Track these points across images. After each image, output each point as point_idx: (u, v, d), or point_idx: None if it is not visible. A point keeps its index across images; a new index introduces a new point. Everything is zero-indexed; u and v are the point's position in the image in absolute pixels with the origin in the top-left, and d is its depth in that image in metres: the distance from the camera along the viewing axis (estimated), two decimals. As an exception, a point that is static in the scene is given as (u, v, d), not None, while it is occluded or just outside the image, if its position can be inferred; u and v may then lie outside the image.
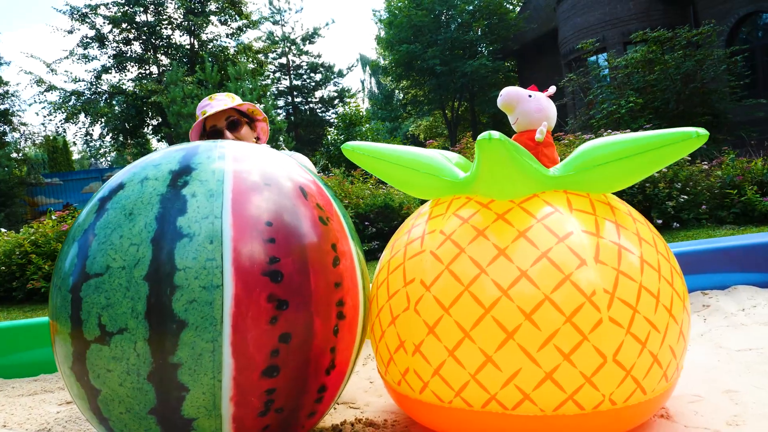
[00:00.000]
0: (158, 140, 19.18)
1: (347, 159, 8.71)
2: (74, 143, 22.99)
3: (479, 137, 1.05)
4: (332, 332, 1.20)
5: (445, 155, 1.55)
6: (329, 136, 11.99)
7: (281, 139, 13.77)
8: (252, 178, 1.21)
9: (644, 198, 4.62)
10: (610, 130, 6.23)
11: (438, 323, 1.15)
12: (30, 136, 20.48)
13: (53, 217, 5.74)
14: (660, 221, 4.58)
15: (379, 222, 5.18)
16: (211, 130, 1.94)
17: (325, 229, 1.24)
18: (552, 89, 1.52)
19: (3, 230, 5.58)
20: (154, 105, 16.30)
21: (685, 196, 4.58)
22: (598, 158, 1.19)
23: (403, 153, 1.34)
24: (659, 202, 4.59)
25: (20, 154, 21.41)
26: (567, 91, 11.21)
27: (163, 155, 1.27)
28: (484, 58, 18.22)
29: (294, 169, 1.33)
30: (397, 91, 24.10)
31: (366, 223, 5.11)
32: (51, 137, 25.03)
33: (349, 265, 1.27)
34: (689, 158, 5.16)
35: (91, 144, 20.42)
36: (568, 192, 1.24)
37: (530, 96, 1.49)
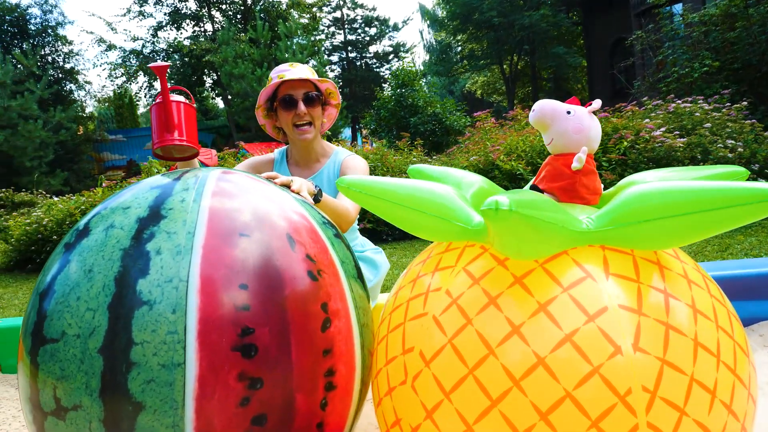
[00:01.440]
0: (212, 99, 19.42)
1: (397, 123, 8.45)
2: (138, 99, 23.68)
3: (483, 207, 0.83)
4: (319, 407, 1.05)
5: (464, 181, 1.34)
6: (379, 98, 11.59)
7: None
8: (230, 225, 1.04)
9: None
10: (677, 100, 5.65)
11: (438, 408, 0.98)
12: (94, 94, 21.22)
13: (103, 185, 5.86)
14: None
15: (421, 198, 4.96)
16: (284, 98, 1.75)
17: (314, 286, 1.07)
18: (596, 104, 1.25)
19: (56, 198, 5.76)
20: (209, 64, 16.39)
21: None
22: (647, 211, 0.95)
23: (408, 191, 1.13)
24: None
25: (86, 112, 22.27)
26: (635, 50, 10.34)
27: (135, 194, 1.12)
28: (545, 9, 17.11)
29: (285, 208, 1.15)
30: (453, 44, 23.19)
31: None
32: (117, 93, 25.90)
33: (343, 326, 1.10)
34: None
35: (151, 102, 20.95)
36: (607, 248, 1.01)
37: (569, 112, 1.24)
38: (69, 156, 16.81)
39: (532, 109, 1.27)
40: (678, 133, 4.47)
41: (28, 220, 5.42)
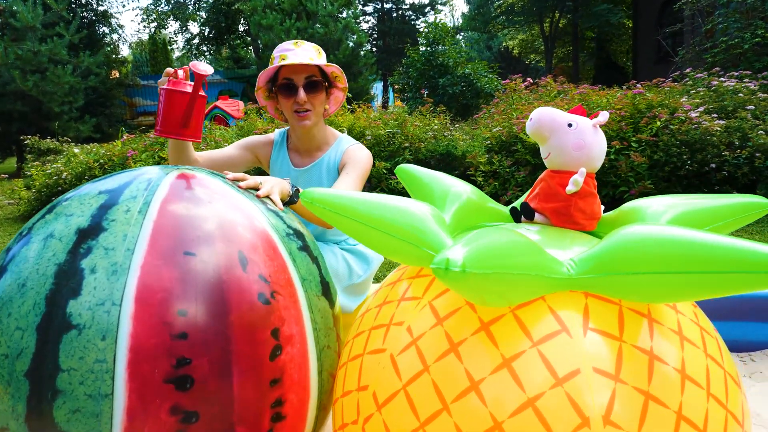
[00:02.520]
0: (243, 47, 19.17)
1: (426, 84, 8.17)
2: (171, 43, 23.60)
3: (432, 265, 0.71)
4: (263, 439, 0.98)
5: (450, 192, 1.21)
6: (408, 55, 11.17)
7: (362, 53, 13.22)
8: (174, 242, 0.95)
9: (751, 170, 3.91)
10: (722, 73, 5.27)
11: (386, 459, 0.89)
12: (125, 39, 21.23)
13: (123, 138, 5.85)
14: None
15: (440, 169, 4.81)
16: (284, 83, 1.62)
17: (265, 310, 0.98)
18: (603, 116, 1.10)
19: (77, 150, 5.78)
20: (240, 12, 16.09)
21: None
22: (637, 262, 0.82)
23: (378, 210, 1.01)
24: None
25: (119, 56, 22.31)
26: (684, 15, 9.69)
27: (83, 197, 1.04)
28: (592, -35, 16.14)
29: (243, 220, 1.05)
30: (490, 0, 22.22)
31: (425, 169, 4.76)
32: (151, 37, 25.86)
33: (297, 353, 1.02)
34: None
35: (187, 47, 20.84)
36: (591, 295, 0.89)
37: (571, 125, 1.09)
38: (101, 100, 16.94)
39: (530, 117, 1.13)
40: (716, 115, 4.16)
41: (49, 171, 5.47)
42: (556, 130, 1.10)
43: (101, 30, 19.46)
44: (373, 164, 4.76)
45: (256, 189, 1.22)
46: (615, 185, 4.09)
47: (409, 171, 1.37)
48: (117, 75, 21.59)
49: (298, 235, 1.16)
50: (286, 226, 1.14)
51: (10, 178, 9.17)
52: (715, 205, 1.08)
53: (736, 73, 5.26)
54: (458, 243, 0.75)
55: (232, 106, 11.37)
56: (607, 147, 4.17)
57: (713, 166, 3.94)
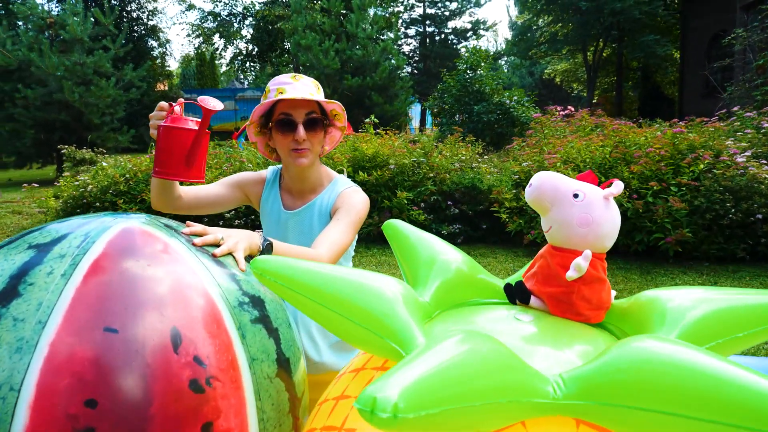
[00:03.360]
0: (284, 65, 19.51)
1: (460, 110, 8.02)
2: (218, 57, 24.25)
3: (356, 404, 0.55)
4: None
5: (438, 260, 1.05)
6: (444, 80, 11.04)
7: (399, 75, 13.20)
8: (95, 315, 0.82)
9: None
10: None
11: None
12: (171, 53, 21.99)
13: (151, 154, 5.88)
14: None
15: (464, 203, 4.63)
16: (282, 119, 1.48)
17: (196, 400, 0.83)
18: (617, 187, 0.93)
19: (105, 164, 5.84)
20: (281, 31, 16.38)
21: None
22: (639, 394, 0.64)
23: (338, 288, 0.86)
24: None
25: (166, 69, 23.01)
26: (735, 49, 9.30)
27: (8, 252, 0.92)
28: (639, -5, 15.81)
29: (186, 287, 0.91)
30: (534, 27, 22.04)
31: (449, 202, 4.59)
32: (198, 52, 26.66)
33: (233, 448, 0.86)
34: None
35: (231, 63, 21.37)
36: (583, 422, 0.71)
37: (577, 196, 0.92)
38: (145, 111, 17.43)
39: (530, 183, 0.96)
40: (765, 161, 3.87)
41: (77, 182, 5.52)
42: (560, 200, 0.92)
43: (149, 44, 20.12)
44: (395, 194, 4.62)
45: (218, 245, 1.08)
46: (650, 231, 3.83)
47: (397, 228, 1.21)
48: (165, 87, 22.25)
49: (256, 303, 1.01)
50: (241, 293, 1.00)
51: (42, 185, 9.39)
52: (756, 303, 0.88)
53: (788, 115, 4.93)
54: (398, 368, 0.59)
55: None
56: (644, 188, 3.92)
57: (759, 216, 3.65)
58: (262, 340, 0.98)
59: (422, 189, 4.63)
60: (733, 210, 3.68)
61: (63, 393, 0.76)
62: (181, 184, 1.50)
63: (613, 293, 0.97)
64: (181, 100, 1.31)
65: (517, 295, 0.98)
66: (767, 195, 3.66)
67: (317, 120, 1.49)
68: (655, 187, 3.85)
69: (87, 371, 0.78)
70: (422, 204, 4.64)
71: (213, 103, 1.19)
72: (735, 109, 5.76)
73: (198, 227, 1.09)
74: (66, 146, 7.57)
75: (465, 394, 0.60)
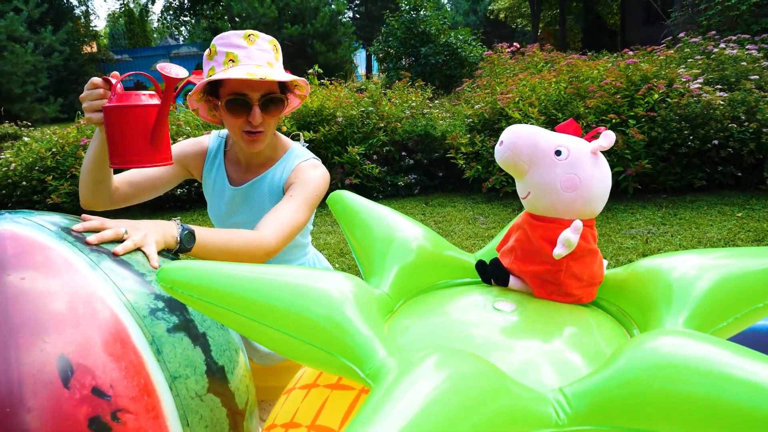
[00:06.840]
0: (218, 19, 18.41)
1: (406, 53, 7.69)
2: (148, 14, 22.75)
3: None
4: None
5: (396, 238, 0.88)
6: (387, 23, 10.58)
7: (341, 21, 12.61)
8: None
9: (757, 147, 3.58)
10: (718, 38, 4.90)
11: None
12: (93, 11, 20.46)
13: (79, 123, 5.41)
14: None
15: (418, 152, 4.45)
16: (234, 99, 1.19)
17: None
18: (608, 138, 0.76)
19: (27, 139, 5.35)
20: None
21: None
22: (665, 415, 0.50)
23: (272, 295, 0.67)
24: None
25: (91, 29, 21.45)
26: (677, -27, 9.20)
27: None
28: None
29: (80, 302, 0.71)
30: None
31: (403, 153, 4.40)
32: (126, 8, 24.91)
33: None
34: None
35: (161, 19, 20.08)
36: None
37: (559, 153, 0.75)
38: (72, 77, 16.21)
39: (500, 140, 0.78)
40: (720, 87, 3.82)
41: (-2, 161, 5.04)
42: (539, 160, 0.75)
43: (69, 3, 18.56)
44: (345, 149, 4.38)
45: (120, 241, 0.87)
46: (610, 165, 3.76)
47: (344, 201, 1.03)
48: (93, 49, 20.73)
49: (173, 307, 0.82)
50: (153, 297, 0.80)
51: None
52: (762, 267, 0.75)
53: (733, 37, 4.90)
54: (371, 414, 0.42)
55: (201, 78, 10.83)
56: (602, 122, 3.82)
57: (716, 142, 3.62)
58: (185, 351, 0.79)
59: (374, 141, 4.41)
60: (690, 138, 3.64)
61: None
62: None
63: (605, 263, 0.83)
64: (116, 72, 1.04)
65: (493, 275, 0.82)
66: (722, 120, 3.62)
67: (276, 99, 1.23)
68: (614, 120, 3.76)
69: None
70: (375, 157, 4.44)
71: (176, 71, 0.94)
72: (681, 35, 5.70)
73: (94, 221, 0.87)
74: (-16, 122, 6.92)
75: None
